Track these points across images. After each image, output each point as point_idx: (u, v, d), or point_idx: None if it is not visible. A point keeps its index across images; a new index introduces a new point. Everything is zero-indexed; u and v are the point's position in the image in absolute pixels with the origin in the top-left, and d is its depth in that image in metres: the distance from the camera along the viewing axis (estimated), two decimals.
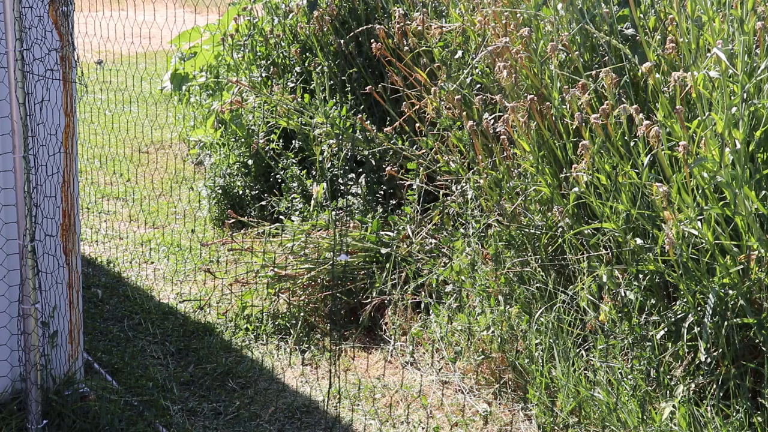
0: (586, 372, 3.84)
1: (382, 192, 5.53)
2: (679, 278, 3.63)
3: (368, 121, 5.58)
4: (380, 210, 5.36)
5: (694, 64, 3.74)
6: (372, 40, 5.51)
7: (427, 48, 5.26)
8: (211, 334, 4.82)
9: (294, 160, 5.98)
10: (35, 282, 3.55)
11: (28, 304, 3.54)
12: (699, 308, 3.60)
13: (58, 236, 3.82)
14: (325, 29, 6.22)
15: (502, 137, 4.44)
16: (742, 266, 3.52)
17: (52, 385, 3.76)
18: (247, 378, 4.39)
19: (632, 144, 3.84)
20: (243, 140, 6.45)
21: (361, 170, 5.65)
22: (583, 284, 4.00)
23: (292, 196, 5.82)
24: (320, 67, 6.13)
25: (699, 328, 3.58)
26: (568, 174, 4.12)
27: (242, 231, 5.92)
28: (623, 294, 3.85)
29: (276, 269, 5.01)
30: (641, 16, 4.37)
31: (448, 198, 4.97)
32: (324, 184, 5.56)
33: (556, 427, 3.81)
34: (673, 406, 3.51)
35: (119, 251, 6.02)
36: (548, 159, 4.29)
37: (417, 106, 5.19)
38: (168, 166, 7.68)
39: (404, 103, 5.30)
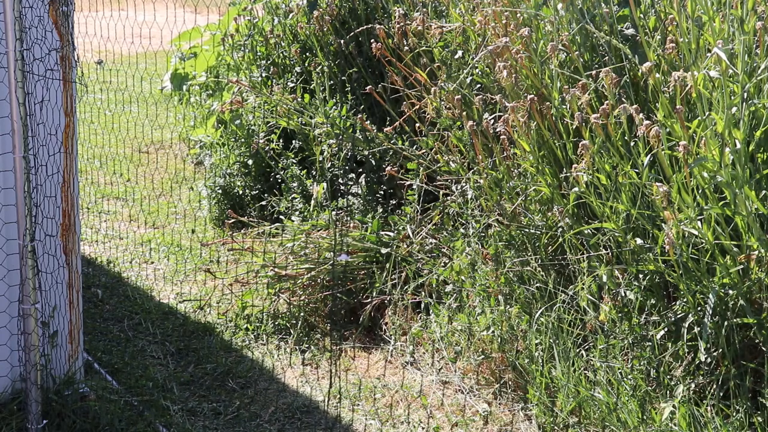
0: (586, 372, 3.84)
1: (382, 192, 5.53)
2: (679, 278, 3.62)
3: (368, 121, 5.58)
4: (380, 210, 5.36)
5: (694, 64, 3.74)
6: (372, 40, 5.50)
7: (427, 48, 5.26)
8: (211, 334, 4.82)
9: (294, 160, 5.98)
10: (35, 282, 3.55)
11: (28, 304, 3.54)
12: (699, 308, 3.60)
13: (58, 236, 3.81)
14: (325, 29, 6.22)
15: (502, 137, 4.44)
16: (742, 266, 3.51)
17: (52, 385, 3.75)
18: (247, 378, 4.39)
19: (632, 144, 3.84)
20: (243, 140, 6.45)
21: (361, 170, 5.64)
22: (583, 284, 4.00)
23: (292, 196, 5.82)
24: (320, 67, 6.12)
25: (699, 328, 3.57)
26: (568, 174, 4.12)
27: (242, 231, 5.92)
28: (623, 294, 3.85)
29: (276, 269, 5.01)
30: (641, 16, 4.37)
31: (448, 198, 4.96)
32: (324, 184, 5.56)
33: (556, 427, 3.80)
34: (673, 406, 3.51)
35: (119, 251, 6.02)
36: (548, 159, 4.29)
37: (417, 106, 5.19)
38: (168, 166, 7.68)
39: (404, 103, 5.30)
